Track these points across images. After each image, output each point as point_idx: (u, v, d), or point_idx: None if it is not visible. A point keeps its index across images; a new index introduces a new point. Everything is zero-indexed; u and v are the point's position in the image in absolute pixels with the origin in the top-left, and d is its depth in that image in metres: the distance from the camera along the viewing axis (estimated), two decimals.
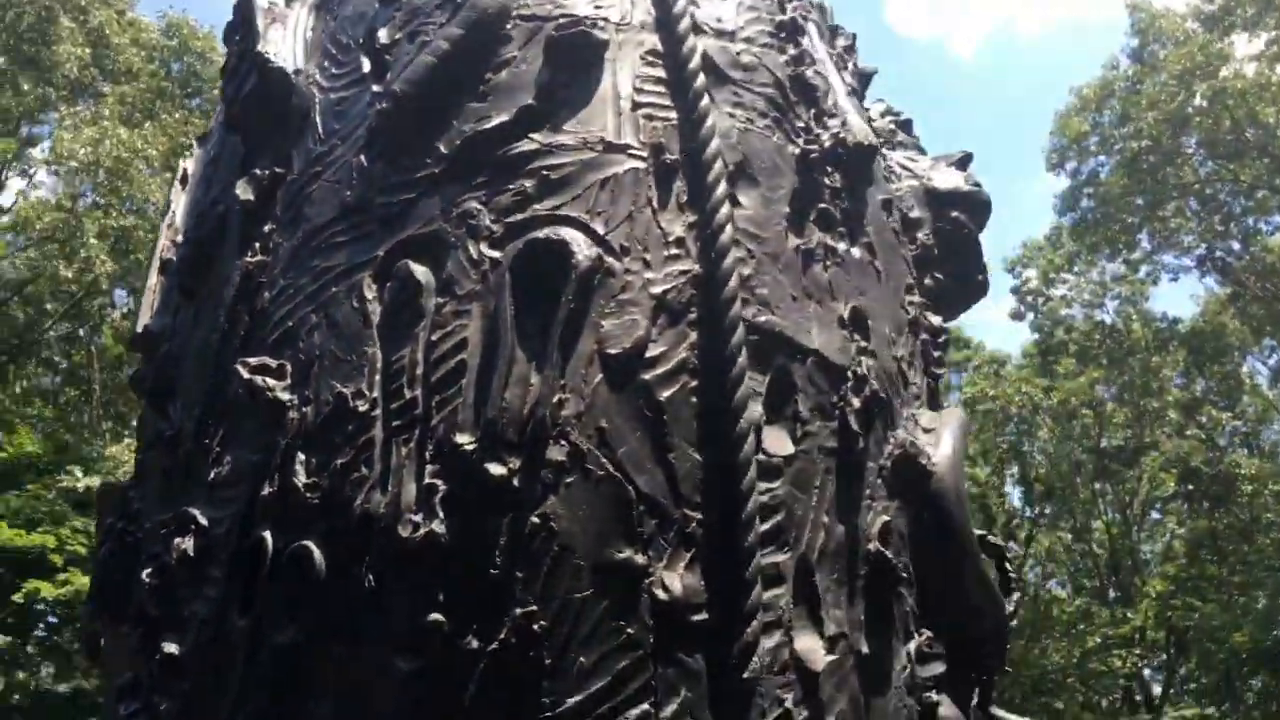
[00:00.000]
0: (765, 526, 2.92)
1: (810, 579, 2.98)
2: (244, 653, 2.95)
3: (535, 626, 2.68)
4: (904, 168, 4.23)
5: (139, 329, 4.12)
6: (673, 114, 3.25)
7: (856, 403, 3.17)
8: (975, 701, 3.76)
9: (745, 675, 2.75)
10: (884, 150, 4.25)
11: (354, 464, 2.92)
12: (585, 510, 2.78)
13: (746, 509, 2.85)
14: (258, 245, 3.50)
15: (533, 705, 2.66)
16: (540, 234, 3.00)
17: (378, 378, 3.00)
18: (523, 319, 2.93)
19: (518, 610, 2.69)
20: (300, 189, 3.47)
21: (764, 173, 3.31)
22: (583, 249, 2.96)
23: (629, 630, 2.73)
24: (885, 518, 3.19)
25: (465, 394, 2.89)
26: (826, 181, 3.46)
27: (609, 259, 3.00)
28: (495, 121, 3.19)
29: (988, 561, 4.39)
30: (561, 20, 3.30)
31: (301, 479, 2.97)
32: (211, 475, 3.29)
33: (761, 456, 2.97)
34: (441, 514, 2.78)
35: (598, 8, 3.38)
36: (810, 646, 2.92)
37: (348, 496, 2.90)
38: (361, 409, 2.97)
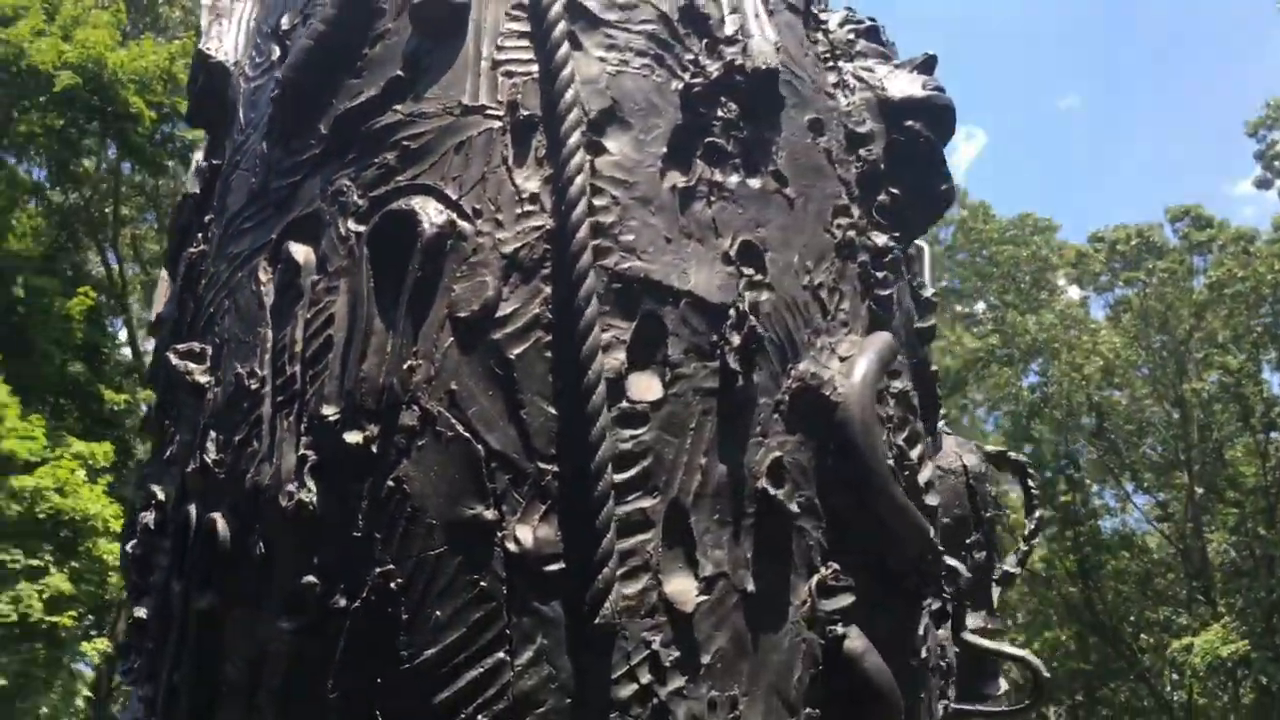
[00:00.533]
0: (630, 473, 2.93)
1: (685, 522, 2.97)
2: (178, 618, 3.24)
3: (393, 584, 2.82)
4: (859, 79, 4.03)
5: (152, 318, 4.48)
6: (534, 68, 3.24)
7: (736, 340, 3.11)
8: (950, 629, 3.67)
9: (598, 621, 2.79)
10: (840, 63, 4.07)
11: (248, 439, 3.13)
12: (436, 471, 2.88)
13: (597, 458, 2.87)
14: (200, 236, 3.75)
15: (393, 658, 2.81)
16: (394, 205, 3.08)
17: (267, 357, 3.18)
18: (383, 290, 3.04)
19: (377, 569, 2.84)
20: (226, 179, 3.68)
21: (637, 114, 3.25)
22: (430, 216, 3.02)
23: (482, 583, 2.82)
24: (777, 454, 3.13)
25: (332, 367, 3.03)
26: (719, 113, 3.36)
27: (461, 223, 3.04)
28: (365, 96, 3.27)
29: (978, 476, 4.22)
30: None
31: (212, 455, 3.21)
32: (166, 454, 3.59)
33: (625, 404, 2.98)
34: (311, 483, 2.95)
35: None
36: (682, 589, 2.93)
37: (243, 470, 3.11)
38: (254, 387, 3.16)
